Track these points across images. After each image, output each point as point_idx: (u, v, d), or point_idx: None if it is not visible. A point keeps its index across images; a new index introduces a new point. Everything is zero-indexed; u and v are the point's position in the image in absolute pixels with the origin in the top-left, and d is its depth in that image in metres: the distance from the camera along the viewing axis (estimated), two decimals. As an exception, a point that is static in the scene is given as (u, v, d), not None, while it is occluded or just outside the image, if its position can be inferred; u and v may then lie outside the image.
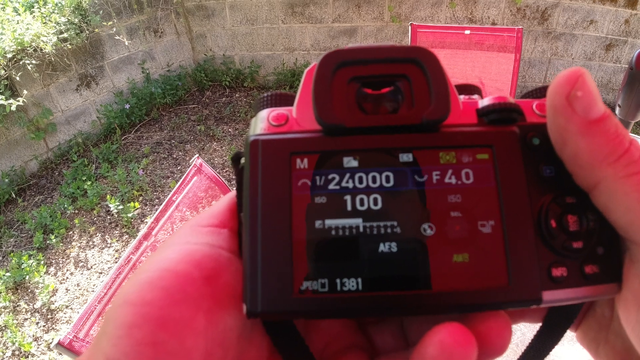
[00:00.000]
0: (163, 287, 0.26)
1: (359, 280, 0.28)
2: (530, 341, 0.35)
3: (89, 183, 3.60)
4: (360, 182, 0.29)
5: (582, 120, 0.27)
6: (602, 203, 0.28)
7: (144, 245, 1.80)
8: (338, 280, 0.28)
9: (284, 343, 0.32)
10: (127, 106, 4.16)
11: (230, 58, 4.71)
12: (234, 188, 0.34)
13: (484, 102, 0.31)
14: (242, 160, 0.32)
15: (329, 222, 0.29)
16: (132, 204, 3.40)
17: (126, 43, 4.11)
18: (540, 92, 0.34)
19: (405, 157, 0.30)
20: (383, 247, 0.28)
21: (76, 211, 3.48)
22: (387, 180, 0.29)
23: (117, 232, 3.33)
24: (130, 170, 3.74)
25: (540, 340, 0.35)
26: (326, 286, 0.28)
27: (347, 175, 0.29)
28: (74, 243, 3.26)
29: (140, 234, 1.75)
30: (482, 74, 2.95)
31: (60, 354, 1.52)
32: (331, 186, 0.29)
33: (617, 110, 1.37)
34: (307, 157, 0.30)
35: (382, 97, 0.31)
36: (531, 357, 0.35)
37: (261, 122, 0.31)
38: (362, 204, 0.29)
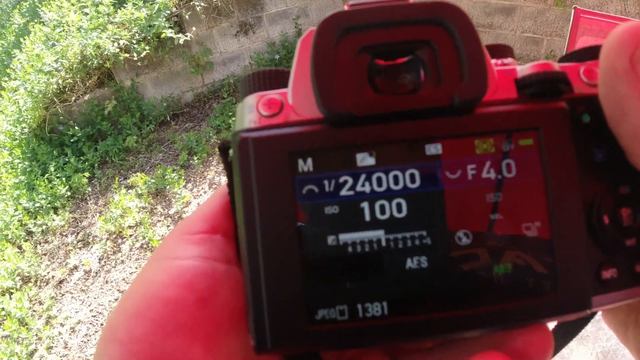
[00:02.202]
0: (152, 319, 0.24)
1: (384, 303, 0.24)
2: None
3: (234, 119, 3.90)
4: (379, 184, 0.24)
5: None
6: None
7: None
8: (359, 306, 0.24)
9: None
10: (277, 57, 4.43)
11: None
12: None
13: (523, 71, 0.26)
14: (231, 152, 0.26)
15: (344, 237, 0.24)
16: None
17: (286, -3, 4.38)
18: (588, 53, 0.28)
19: (433, 149, 0.25)
20: (411, 263, 0.24)
21: (219, 141, 3.81)
22: (413, 180, 0.24)
23: (249, 164, 3.61)
24: (270, 114, 4.00)
25: (559, 333, 0.31)
26: (346, 313, 0.24)
27: (363, 176, 0.25)
28: (211, 167, 3.58)
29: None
30: None
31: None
32: (344, 192, 0.24)
33: None
34: (311, 157, 0.24)
35: (398, 70, 0.25)
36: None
37: (250, 113, 0.25)
38: (382, 211, 0.24)
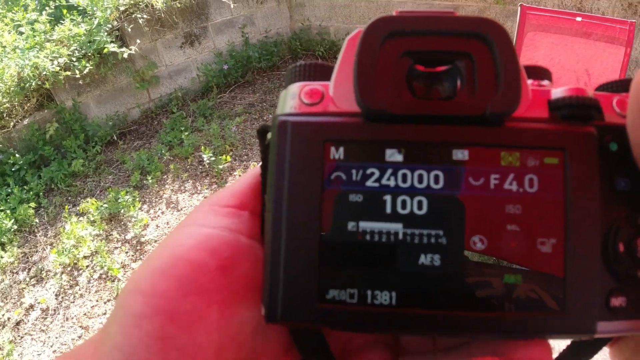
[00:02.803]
0: (175, 277, 0.25)
1: (393, 294, 0.25)
2: None
3: (186, 134, 3.78)
4: (404, 180, 0.25)
5: None
6: None
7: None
8: (369, 292, 0.25)
9: (304, 341, 0.29)
10: (225, 67, 4.33)
11: (326, 29, 4.75)
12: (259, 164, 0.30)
13: (557, 93, 0.26)
14: (269, 135, 0.28)
15: (364, 225, 0.25)
16: (223, 156, 3.54)
17: (232, 6, 4.27)
18: (622, 86, 0.29)
19: (460, 155, 0.25)
20: (424, 259, 0.25)
21: (172, 158, 3.67)
22: (436, 181, 0.25)
23: (207, 181, 3.48)
24: (224, 127, 3.88)
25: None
26: (355, 297, 0.25)
27: (389, 171, 0.26)
28: (167, 186, 3.44)
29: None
30: (588, 65, 2.81)
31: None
32: (369, 183, 0.26)
33: None
34: (344, 146, 0.26)
35: (436, 78, 0.27)
36: None
37: (292, 99, 0.27)
38: (404, 206, 0.25)
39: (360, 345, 0.32)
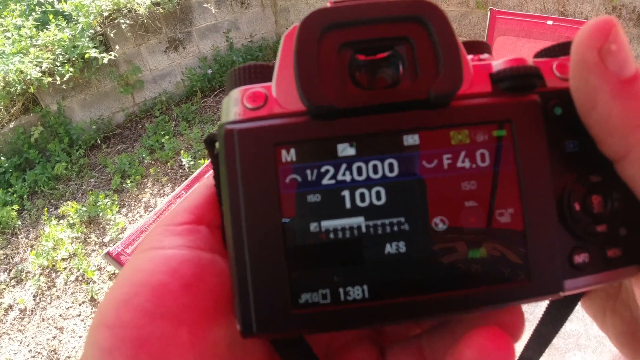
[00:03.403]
0: (139, 305, 0.24)
1: (365, 287, 0.25)
2: (536, 326, 0.33)
3: (167, 138, 3.86)
4: (359, 173, 0.25)
5: (615, 79, 0.24)
6: (631, 174, 0.25)
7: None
8: (341, 290, 0.25)
9: (285, 348, 0.29)
10: (210, 71, 4.41)
11: (311, 34, 4.82)
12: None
13: (498, 66, 0.27)
14: (217, 145, 0.27)
15: (326, 224, 0.25)
16: (202, 160, 3.62)
17: (213, 11, 4.34)
18: (561, 49, 0.29)
19: (411, 140, 0.26)
20: (390, 248, 0.25)
21: (152, 162, 3.76)
22: (391, 169, 0.26)
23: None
24: (205, 131, 3.96)
25: (546, 323, 0.33)
26: (328, 297, 0.25)
27: (343, 166, 0.26)
28: (146, 189, 3.53)
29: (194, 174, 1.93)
30: None
31: (108, 263, 1.71)
32: (325, 181, 0.25)
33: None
34: (294, 148, 0.25)
35: (378, 65, 0.27)
36: (538, 343, 0.33)
37: (235, 105, 0.26)
38: (362, 199, 0.25)
39: (345, 343, 0.32)
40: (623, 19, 3.81)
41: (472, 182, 0.26)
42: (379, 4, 0.25)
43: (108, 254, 1.71)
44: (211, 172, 0.29)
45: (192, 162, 3.59)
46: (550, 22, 2.71)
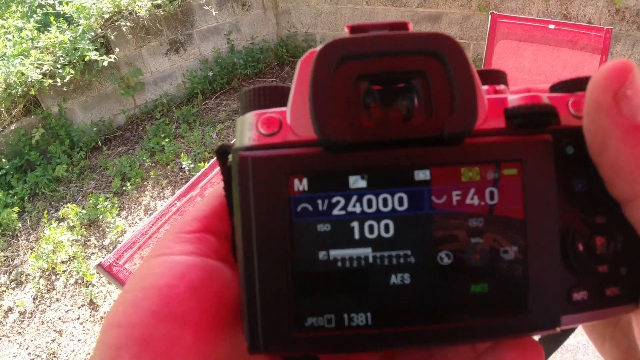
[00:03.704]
0: (147, 306, 0.26)
1: (368, 315, 0.26)
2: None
3: (167, 140, 3.88)
4: (370, 205, 0.26)
5: (628, 124, 0.24)
6: (638, 217, 0.26)
7: (190, 195, 1.99)
8: (345, 315, 0.26)
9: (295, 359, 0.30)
10: (211, 73, 4.41)
11: (312, 36, 4.81)
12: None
13: (513, 101, 0.27)
14: (230, 158, 0.28)
15: (334, 253, 0.26)
16: (202, 163, 3.63)
17: (214, 14, 4.34)
18: (578, 85, 0.29)
19: (422, 175, 0.26)
20: (395, 279, 0.26)
21: (153, 164, 3.77)
22: (400, 203, 0.26)
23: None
24: (205, 133, 3.97)
25: (547, 341, 0.33)
26: (332, 322, 0.26)
27: (354, 197, 0.26)
28: (146, 192, 3.55)
29: (187, 184, 1.94)
30: (562, 74, 2.71)
31: (99, 274, 1.72)
32: (336, 211, 0.26)
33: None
34: (307, 178, 0.26)
35: (393, 98, 0.27)
36: None
37: (249, 130, 0.27)
38: (371, 231, 0.26)
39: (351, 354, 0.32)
40: (627, 21, 3.78)
41: (479, 219, 0.26)
42: (397, 36, 0.26)
43: (100, 265, 1.73)
44: (216, 179, 0.30)
45: (192, 165, 3.60)
46: (552, 27, 2.69)
